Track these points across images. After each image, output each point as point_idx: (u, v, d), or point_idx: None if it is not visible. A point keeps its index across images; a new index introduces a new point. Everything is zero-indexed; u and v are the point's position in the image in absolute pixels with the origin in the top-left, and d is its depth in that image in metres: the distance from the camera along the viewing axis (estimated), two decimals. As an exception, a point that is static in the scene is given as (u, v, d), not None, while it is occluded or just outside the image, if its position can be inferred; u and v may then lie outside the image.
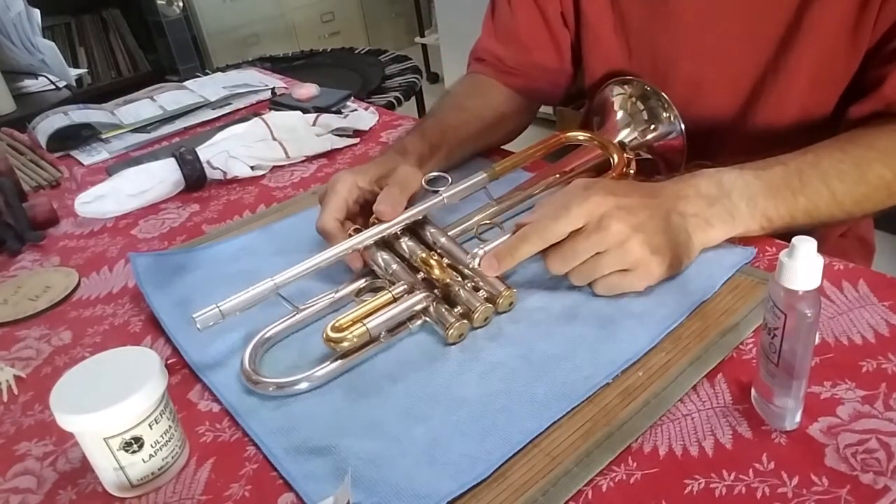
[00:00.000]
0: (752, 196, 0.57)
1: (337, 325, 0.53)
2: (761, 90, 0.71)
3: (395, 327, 0.55)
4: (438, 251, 0.60)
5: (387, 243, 0.62)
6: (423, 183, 0.64)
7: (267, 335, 0.56)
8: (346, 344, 0.52)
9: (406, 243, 0.61)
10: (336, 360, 0.53)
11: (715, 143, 0.73)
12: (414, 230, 0.63)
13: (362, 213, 0.65)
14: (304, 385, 0.51)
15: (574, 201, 0.53)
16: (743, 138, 0.73)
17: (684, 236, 0.55)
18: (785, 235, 0.58)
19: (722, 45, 0.71)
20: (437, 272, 0.57)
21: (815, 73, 0.67)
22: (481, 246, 0.59)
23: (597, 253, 0.53)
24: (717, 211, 0.56)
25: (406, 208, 0.62)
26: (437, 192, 0.63)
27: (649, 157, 0.74)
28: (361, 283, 0.61)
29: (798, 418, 0.43)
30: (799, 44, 0.66)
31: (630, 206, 0.53)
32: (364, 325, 0.53)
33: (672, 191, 0.57)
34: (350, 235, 0.61)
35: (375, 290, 0.60)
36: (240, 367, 0.54)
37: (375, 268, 0.61)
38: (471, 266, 0.58)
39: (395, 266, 0.59)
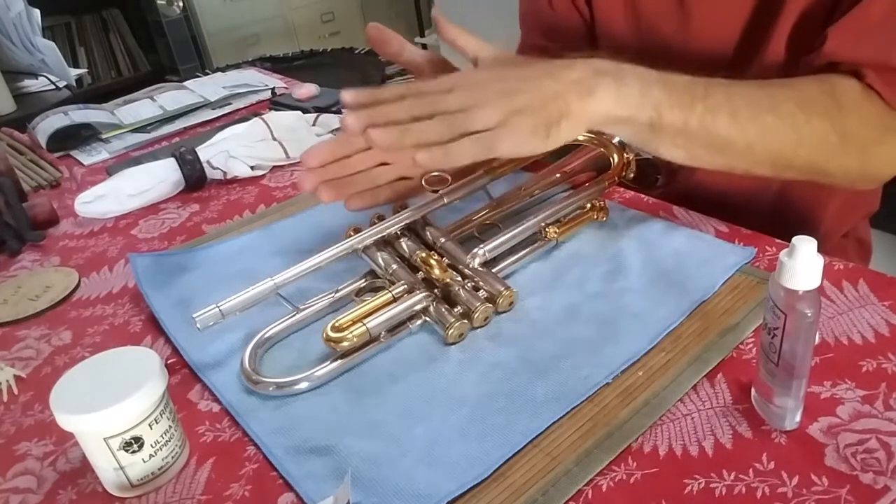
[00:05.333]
0: (648, 83, 0.52)
1: (337, 324, 0.53)
2: (746, 59, 0.69)
3: (395, 327, 0.55)
4: (438, 251, 0.60)
5: (387, 243, 0.62)
6: (423, 183, 0.64)
7: (267, 335, 0.56)
8: (346, 344, 0.52)
9: (406, 243, 0.61)
10: (336, 359, 0.53)
11: None
12: (414, 230, 0.63)
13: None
14: (304, 385, 0.51)
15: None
16: None
17: (559, 100, 0.50)
18: (785, 235, 0.57)
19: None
20: (437, 272, 0.57)
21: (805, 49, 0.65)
22: (481, 246, 0.59)
23: (460, 113, 0.49)
24: (603, 81, 0.51)
25: (406, 208, 0.62)
26: (436, 191, 0.63)
27: (649, 157, 0.74)
28: (361, 282, 0.61)
29: (798, 418, 0.43)
30: (779, 18, 0.64)
31: (502, 74, 0.51)
32: (364, 324, 0.53)
33: (557, 63, 0.53)
34: (350, 235, 0.61)
35: (375, 289, 0.60)
36: (240, 367, 0.54)
37: (375, 268, 0.61)
38: (471, 266, 0.58)
39: (395, 266, 0.59)
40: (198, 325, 0.52)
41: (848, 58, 0.57)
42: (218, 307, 0.53)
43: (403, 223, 0.61)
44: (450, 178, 0.64)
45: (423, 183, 0.64)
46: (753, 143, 0.54)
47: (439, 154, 0.50)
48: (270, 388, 0.51)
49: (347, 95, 0.52)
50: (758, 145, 0.54)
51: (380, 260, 0.60)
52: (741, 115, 0.53)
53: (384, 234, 0.61)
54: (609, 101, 0.51)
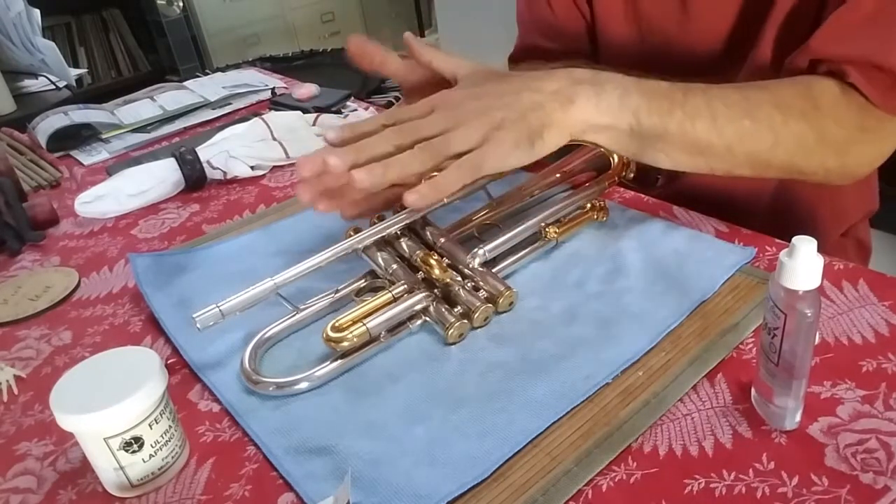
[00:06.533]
0: (627, 90, 0.53)
1: (337, 324, 0.53)
2: (757, 67, 0.70)
3: (395, 327, 0.55)
4: (438, 251, 0.60)
5: (387, 243, 0.62)
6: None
7: (267, 335, 0.56)
8: (346, 344, 0.52)
9: (406, 243, 0.61)
10: (336, 359, 0.53)
11: None
12: (414, 230, 0.63)
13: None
14: (304, 385, 0.51)
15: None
16: None
17: (538, 110, 0.51)
18: (785, 235, 0.57)
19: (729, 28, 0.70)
20: (437, 272, 0.57)
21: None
22: (481, 246, 0.59)
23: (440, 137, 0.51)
24: (582, 90, 0.52)
25: (406, 208, 0.62)
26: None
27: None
28: (361, 282, 0.61)
29: (798, 418, 0.43)
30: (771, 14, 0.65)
31: (479, 91, 0.52)
32: (364, 324, 0.53)
33: (536, 74, 0.53)
34: (350, 235, 0.61)
35: (375, 289, 0.60)
36: (240, 367, 0.54)
37: (375, 268, 0.61)
38: (471, 266, 0.58)
39: (395, 266, 0.59)
40: (198, 325, 0.52)
41: (832, 55, 0.57)
42: (218, 307, 0.53)
43: (403, 223, 0.61)
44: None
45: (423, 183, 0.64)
46: (732, 146, 0.54)
47: (428, 190, 0.50)
48: (270, 388, 0.51)
49: (330, 134, 0.53)
50: (736, 148, 0.55)
51: (380, 260, 0.60)
52: (719, 119, 0.54)
53: (384, 234, 0.61)
54: (589, 109, 0.52)
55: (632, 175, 0.69)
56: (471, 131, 0.50)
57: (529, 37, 0.86)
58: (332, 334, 0.52)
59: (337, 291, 0.60)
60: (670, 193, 0.71)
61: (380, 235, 0.60)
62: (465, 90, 0.53)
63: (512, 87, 0.52)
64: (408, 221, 0.62)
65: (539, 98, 0.51)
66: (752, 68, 0.70)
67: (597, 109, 0.52)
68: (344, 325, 0.53)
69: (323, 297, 0.59)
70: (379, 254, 0.60)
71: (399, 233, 0.62)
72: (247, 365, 0.53)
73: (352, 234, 0.61)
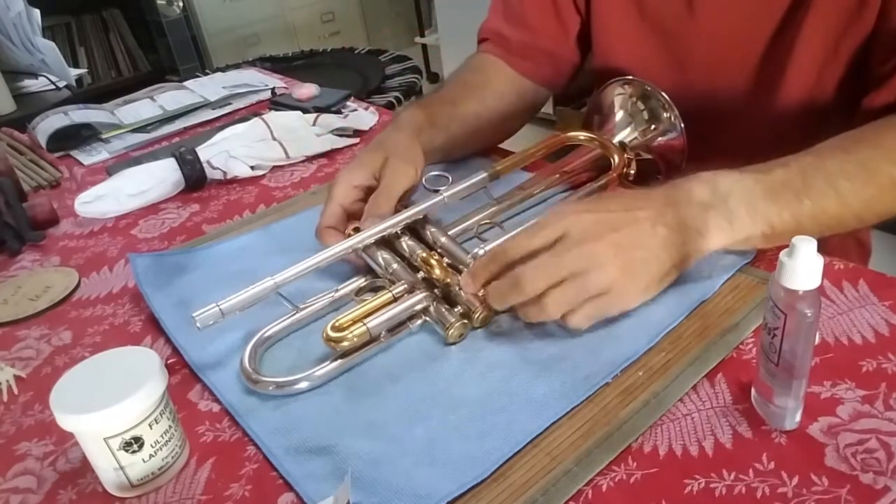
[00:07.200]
0: (752, 200, 0.53)
1: (337, 324, 0.53)
2: (767, 68, 0.70)
3: (396, 327, 0.55)
4: (439, 251, 0.60)
5: (387, 242, 0.62)
6: (423, 183, 0.64)
7: (267, 334, 0.56)
8: (346, 343, 0.52)
9: (406, 243, 0.61)
10: (336, 359, 0.53)
11: (719, 128, 0.72)
12: (414, 229, 0.63)
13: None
14: (304, 385, 0.51)
15: (550, 218, 0.51)
16: (748, 122, 0.73)
17: (672, 249, 0.52)
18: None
19: (735, 26, 0.70)
20: (437, 272, 0.57)
21: (819, 51, 0.66)
22: (481, 246, 0.59)
23: (571, 275, 0.49)
24: (711, 218, 0.52)
25: (406, 206, 0.62)
26: (437, 191, 0.63)
27: (649, 157, 0.74)
28: (361, 282, 0.61)
29: (798, 418, 0.43)
30: (806, 17, 0.65)
31: (612, 220, 0.50)
32: (364, 324, 0.53)
33: (661, 199, 0.53)
34: (349, 236, 0.61)
35: (375, 289, 0.60)
36: (240, 367, 0.53)
37: (375, 267, 0.61)
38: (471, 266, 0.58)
39: (395, 265, 0.59)
40: (197, 325, 0.52)
41: None
42: (218, 306, 0.53)
43: (404, 223, 0.61)
44: (450, 177, 0.65)
45: (423, 183, 0.64)
46: (862, 215, 0.56)
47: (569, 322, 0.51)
48: (270, 388, 0.51)
49: (468, 284, 0.54)
50: (866, 215, 0.56)
51: (380, 260, 0.60)
52: (846, 196, 0.54)
53: (384, 233, 0.61)
54: (722, 236, 0.53)
55: (632, 175, 0.69)
56: (605, 275, 0.49)
57: (495, 19, 0.86)
58: (332, 334, 0.52)
59: (337, 291, 0.60)
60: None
61: (380, 235, 0.60)
62: (593, 212, 0.51)
63: (645, 220, 0.51)
64: (408, 221, 0.62)
65: (671, 236, 0.51)
66: (758, 67, 0.70)
67: (730, 234, 0.53)
68: (344, 325, 0.53)
69: (323, 296, 0.59)
70: (379, 254, 0.60)
71: (399, 233, 0.62)
72: (247, 364, 0.53)
73: (352, 233, 0.61)
